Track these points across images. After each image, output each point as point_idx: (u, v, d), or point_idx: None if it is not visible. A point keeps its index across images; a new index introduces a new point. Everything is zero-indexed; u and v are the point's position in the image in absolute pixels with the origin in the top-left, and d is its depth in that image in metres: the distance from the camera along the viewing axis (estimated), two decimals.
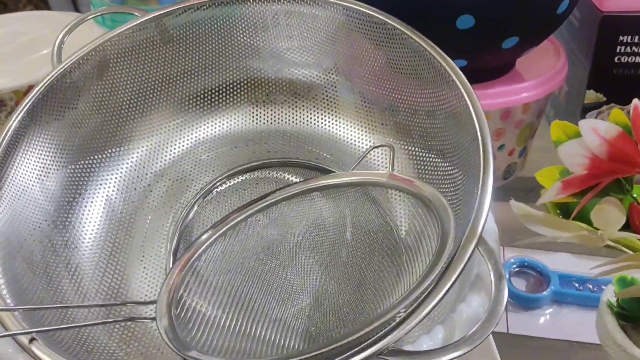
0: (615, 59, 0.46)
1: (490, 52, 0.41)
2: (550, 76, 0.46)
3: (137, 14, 0.37)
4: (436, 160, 0.36)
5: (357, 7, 0.37)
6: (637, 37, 0.45)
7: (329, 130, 0.42)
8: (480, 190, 0.28)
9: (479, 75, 0.44)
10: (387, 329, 0.24)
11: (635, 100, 0.26)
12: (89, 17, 0.37)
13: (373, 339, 0.23)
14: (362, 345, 0.23)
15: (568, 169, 0.27)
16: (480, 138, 0.29)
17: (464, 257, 0.25)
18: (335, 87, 0.41)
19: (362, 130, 0.41)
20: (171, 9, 0.37)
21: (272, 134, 0.42)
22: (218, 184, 0.38)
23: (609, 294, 0.30)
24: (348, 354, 0.23)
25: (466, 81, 0.32)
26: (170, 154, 0.40)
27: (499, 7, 0.38)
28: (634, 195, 0.26)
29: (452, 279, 0.25)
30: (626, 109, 0.50)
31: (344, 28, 0.39)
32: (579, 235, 0.28)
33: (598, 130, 0.24)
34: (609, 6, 0.44)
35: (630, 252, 0.27)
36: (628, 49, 0.46)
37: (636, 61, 0.46)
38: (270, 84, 0.42)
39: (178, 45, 0.39)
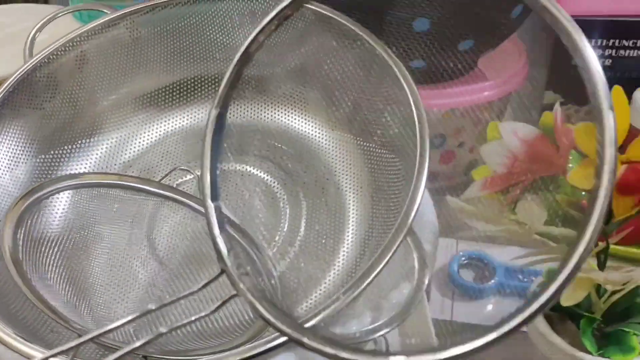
0: (572, 62, 0.48)
1: (447, 53, 0.43)
2: (511, 77, 0.47)
3: (106, 11, 0.39)
4: (387, 155, 0.38)
5: (314, 8, 0.38)
6: (594, 41, 0.47)
7: (294, 126, 0.44)
8: (413, 184, 0.30)
9: (440, 75, 0.46)
10: (310, 315, 0.26)
11: (556, 105, 0.28)
12: (59, 15, 0.39)
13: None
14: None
15: None
16: (418, 135, 0.31)
17: (392, 246, 0.27)
18: (303, 84, 0.43)
19: (325, 127, 0.43)
20: (139, 7, 0.39)
21: (239, 128, 0.43)
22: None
23: (537, 284, 0.32)
24: (274, 334, 0.25)
25: (409, 78, 0.33)
26: (138, 146, 0.42)
27: (453, 10, 0.39)
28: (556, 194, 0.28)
29: (379, 268, 0.27)
30: (583, 110, 0.52)
31: (310, 27, 0.41)
32: (508, 228, 0.30)
33: (517, 132, 0.26)
34: (567, 10, 0.46)
35: (554, 245, 0.29)
36: None
37: None
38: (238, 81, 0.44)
39: (147, 42, 0.41)
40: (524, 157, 0.26)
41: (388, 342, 0.36)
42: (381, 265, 0.27)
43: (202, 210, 0.35)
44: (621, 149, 0.26)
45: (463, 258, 0.42)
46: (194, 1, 0.40)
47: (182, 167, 0.38)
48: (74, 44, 0.39)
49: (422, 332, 0.36)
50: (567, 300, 0.27)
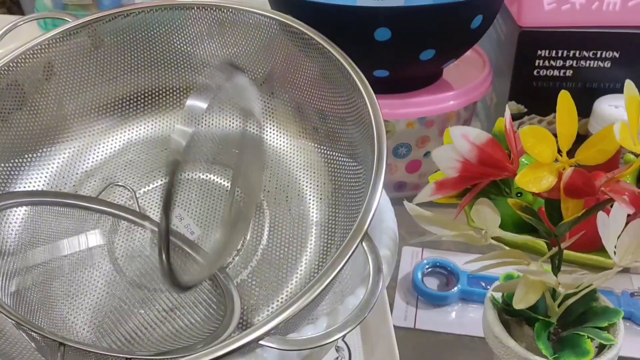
0: (534, 72, 0.49)
1: (409, 63, 0.44)
2: (473, 87, 0.48)
3: (67, 19, 0.39)
4: (349, 162, 0.38)
5: (277, 18, 0.39)
6: (554, 52, 0.48)
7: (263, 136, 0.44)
8: (370, 191, 0.30)
9: (404, 84, 0.47)
10: (266, 319, 0.25)
11: (506, 110, 0.28)
12: (19, 23, 0.38)
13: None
14: (243, 333, 0.25)
15: None
16: (376, 143, 0.31)
17: (347, 252, 0.27)
18: (270, 93, 0.43)
19: (290, 135, 0.43)
20: (101, 15, 0.39)
21: (204, 137, 0.43)
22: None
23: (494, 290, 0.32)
24: (231, 339, 0.25)
25: (369, 87, 0.33)
26: (100, 154, 0.41)
27: (413, 20, 0.40)
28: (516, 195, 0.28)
29: (333, 274, 0.27)
30: (546, 120, 0.53)
31: (276, 38, 0.41)
32: (463, 233, 0.30)
33: (468, 136, 0.26)
34: (527, 22, 0.47)
35: (507, 248, 0.30)
36: (546, 63, 0.48)
37: (554, 74, 0.49)
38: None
39: (110, 50, 0.41)
40: (476, 161, 0.26)
41: (350, 350, 0.36)
42: (335, 272, 0.27)
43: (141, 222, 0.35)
44: (570, 153, 0.27)
45: (427, 266, 0.42)
46: (157, 9, 0.40)
47: (119, 184, 0.38)
48: (34, 51, 0.38)
49: (384, 340, 0.36)
50: (520, 303, 0.28)
